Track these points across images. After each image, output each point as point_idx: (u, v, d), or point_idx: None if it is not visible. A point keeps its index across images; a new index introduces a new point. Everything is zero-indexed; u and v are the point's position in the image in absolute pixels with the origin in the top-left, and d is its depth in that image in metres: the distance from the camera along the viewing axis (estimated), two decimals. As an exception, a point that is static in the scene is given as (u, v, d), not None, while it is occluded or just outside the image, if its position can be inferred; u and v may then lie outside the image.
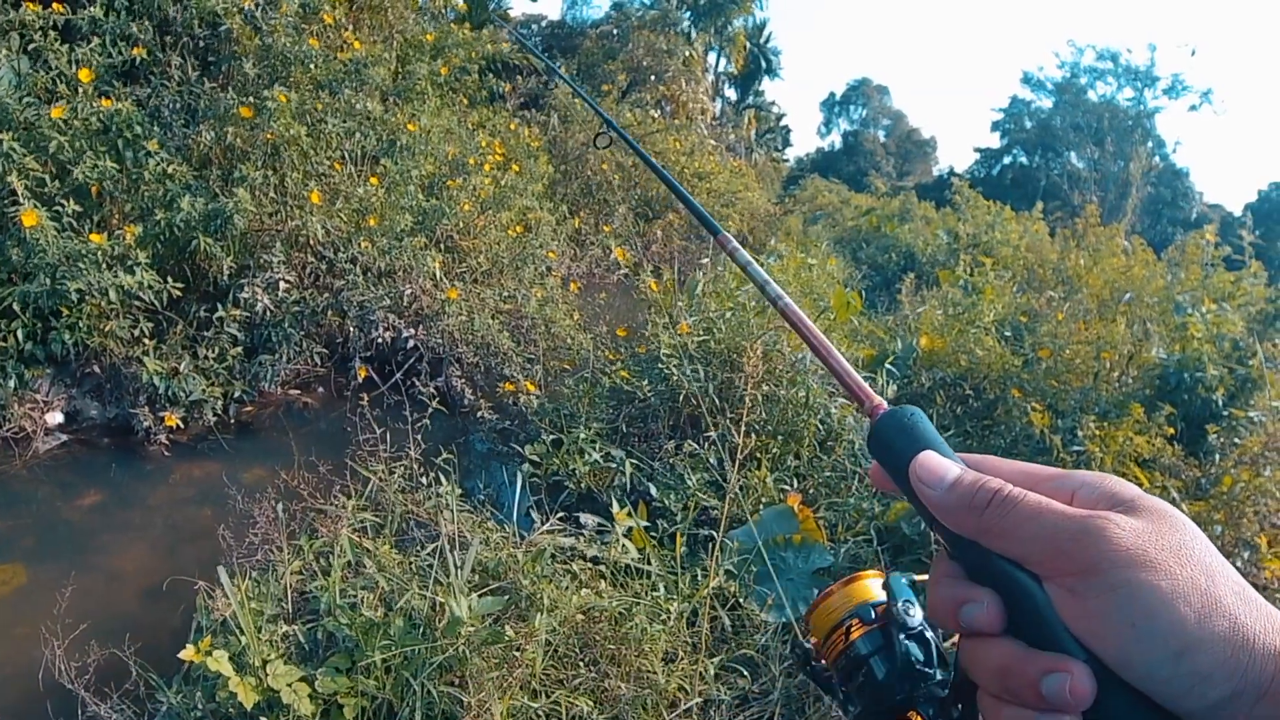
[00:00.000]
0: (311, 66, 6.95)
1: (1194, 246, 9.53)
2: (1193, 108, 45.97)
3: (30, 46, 5.87)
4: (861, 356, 6.17)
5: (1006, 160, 48.34)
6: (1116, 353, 6.28)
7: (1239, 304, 7.13)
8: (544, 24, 24.44)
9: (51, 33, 5.86)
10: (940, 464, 0.56)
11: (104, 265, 5.40)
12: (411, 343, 6.41)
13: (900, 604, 0.66)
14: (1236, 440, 4.93)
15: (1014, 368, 6.11)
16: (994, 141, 50.28)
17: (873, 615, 0.67)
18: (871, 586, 0.70)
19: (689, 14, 25.83)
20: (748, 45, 31.22)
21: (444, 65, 9.34)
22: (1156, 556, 0.46)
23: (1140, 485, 3.91)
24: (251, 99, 6.52)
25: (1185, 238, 11.68)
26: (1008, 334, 7.29)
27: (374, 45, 8.35)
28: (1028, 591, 0.50)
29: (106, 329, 5.54)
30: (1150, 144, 43.84)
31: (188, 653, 2.77)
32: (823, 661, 0.70)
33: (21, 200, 5.19)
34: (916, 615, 0.65)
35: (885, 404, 0.62)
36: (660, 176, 1.15)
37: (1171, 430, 4.72)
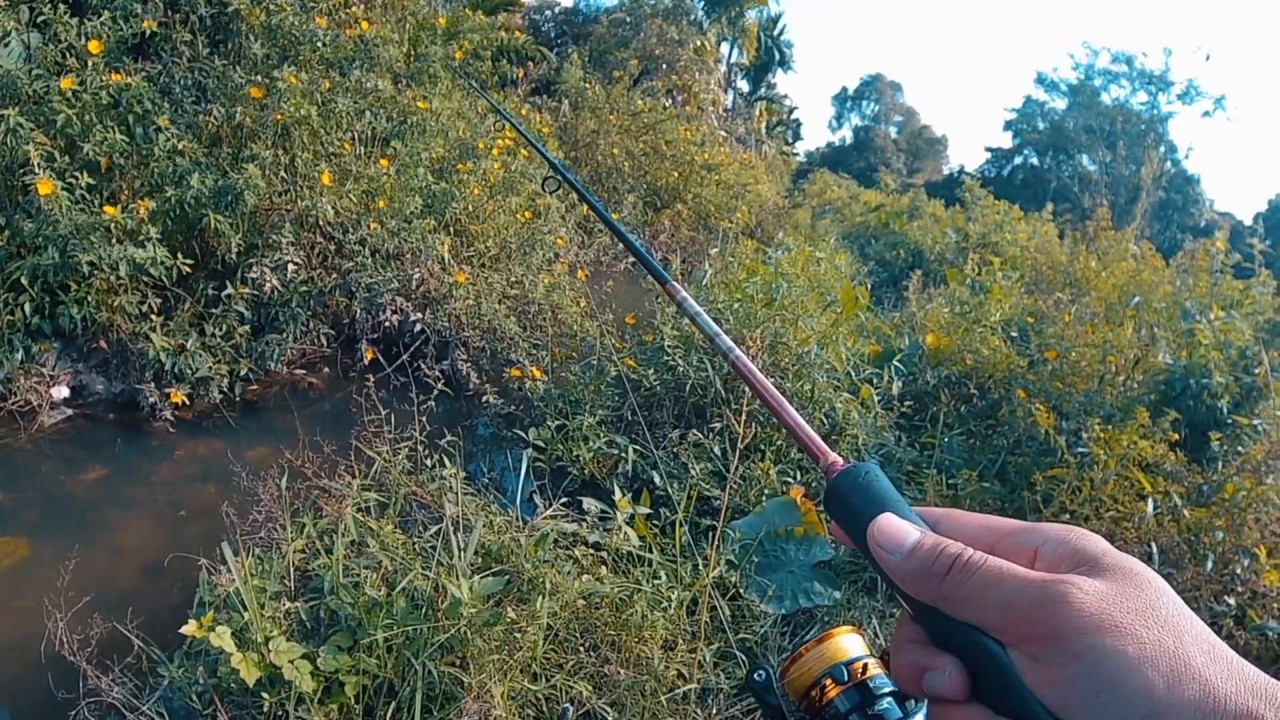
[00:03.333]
0: (320, 45, 6.92)
1: (1203, 253, 9.52)
2: (1206, 114, 45.78)
3: (40, 19, 5.86)
4: (867, 352, 6.17)
5: (1018, 160, 48.24)
6: (1123, 357, 6.27)
7: (1247, 312, 7.12)
8: (557, 10, 24.35)
9: (61, 6, 5.84)
10: (899, 528, 0.55)
11: (116, 239, 5.41)
12: (419, 326, 6.41)
13: (862, 663, 0.66)
14: (1240, 448, 4.93)
15: (1019, 368, 6.10)
16: (1005, 141, 50.20)
17: (845, 675, 0.66)
18: (845, 644, 0.68)
19: (702, 3, 25.74)
20: (760, 37, 31.11)
21: (459, 50, 9.33)
22: (1121, 620, 0.45)
23: (1143, 490, 3.94)
24: (260, 78, 6.51)
25: (1195, 244, 11.65)
26: (1014, 334, 7.28)
27: (385, 26, 8.33)
28: (993, 658, 0.49)
29: (115, 304, 5.54)
30: (1162, 149, 43.68)
31: (190, 628, 2.78)
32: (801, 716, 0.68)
33: (37, 169, 5.19)
34: (880, 675, 0.65)
35: (841, 461, 0.61)
36: (609, 224, 1.09)
37: (1175, 436, 4.71)
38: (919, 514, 0.57)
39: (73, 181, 5.34)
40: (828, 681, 0.66)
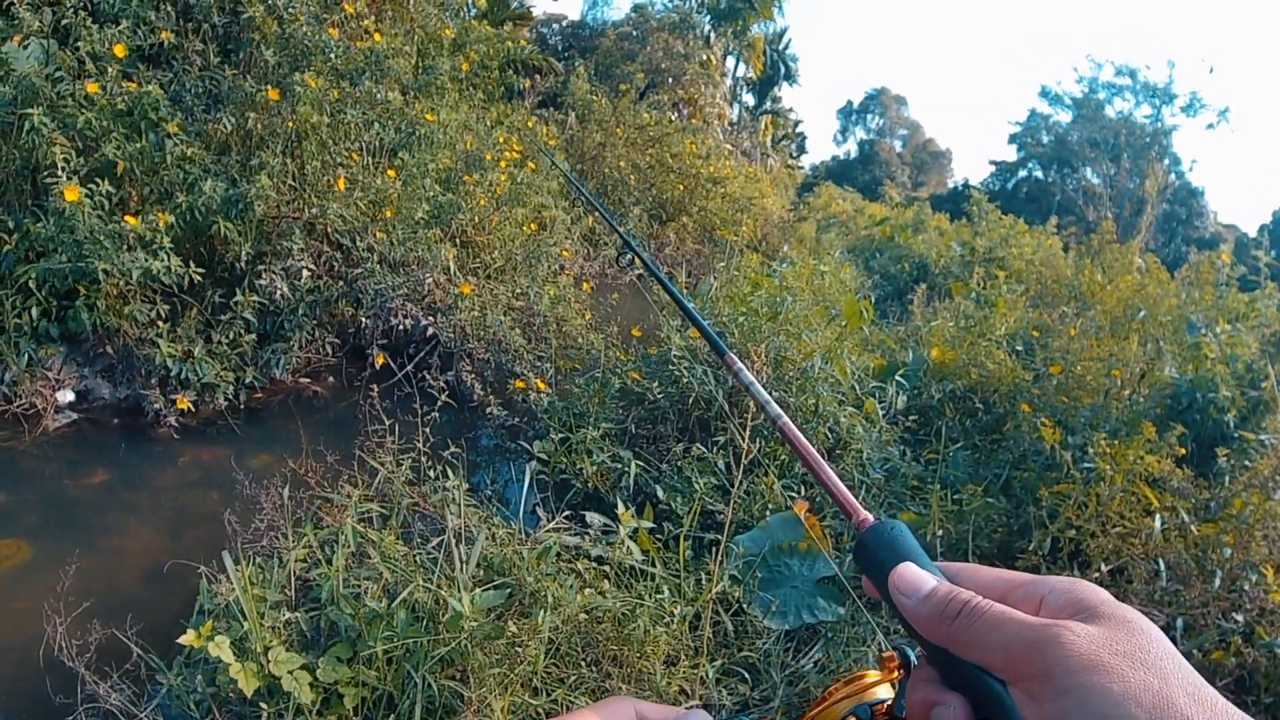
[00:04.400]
0: (331, 55, 6.94)
1: (1208, 266, 9.52)
2: (1210, 126, 45.81)
3: (63, 22, 5.88)
4: (872, 366, 6.15)
5: (1022, 174, 48.25)
6: (1128, 371, 6.26)
7: (1253, 325, 7.11)
8: (564, 24, 24.43)
9: (82, 12, 5.87)
10: (917, 575, 0.60)
11: (130, 247, 5.43)
12: (430, 330, 6.41)
13: (885, 705, 0.68)
14: (1247, 463, 4.89)
15: (1024, 382, 6.09)
16: (1010, 154, 50.19)
17: (870, 713, 0.68)
18: (871, 685, 0.70)
19: (708, 17, 25.79)
20: (766, 51, 31.15)
21: (465, 61, 9.35)
22: (1109, 660, 0.49)
23: (1150, 505, 3.92)
24: (275, 84, 6.54)
25: (1200, 257, 11.65)
26: (1019, 348, 7.27)
27: (395, 38, 8.35)
28: (995, 696, 0.53)
29: (125, 310, 5.55)
30: (1166, 161, 43.64)
31: (188, 638, 2.77)
32: None
33: (61, 175, 5.22)
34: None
35: (871, 518, 0.66)
36: (678, 302, 1.19)
37: (1182, 450, 4.69)
38: (940, 567, 0.62)
39: (92, 188, 5.36)
40: (852, 718, 0.68)
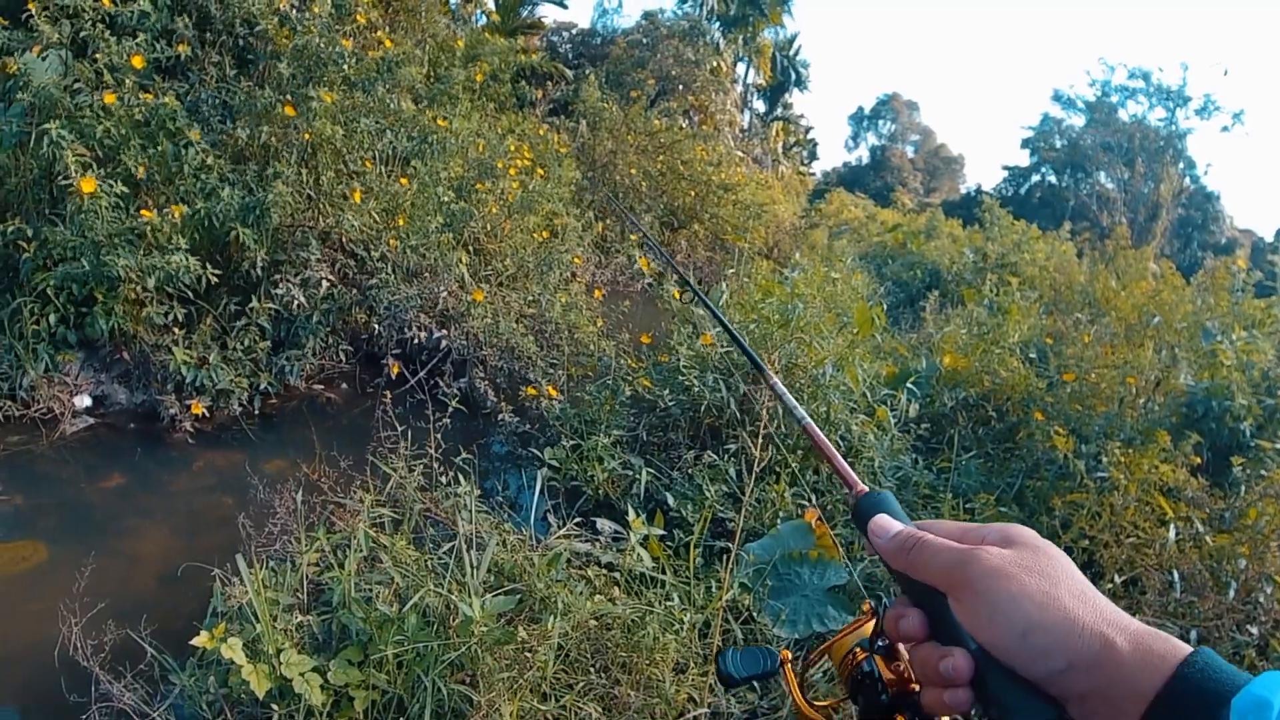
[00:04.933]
0: (345, 66, 6.98)
1: (1224, 271, 9.47)
2: (1224, 129, 45.43)
3: (81, 35, 5.94)
4: (883, 373, 6.15)
5: (1035, 179, 47.99)
6: (1143, 378, 6.23)
7: (1269, 332, 7.06)
8: (574, 32, 24.48)
9: (100, 25, 5.93)
10: (887, 522, 0.81)
11: (145, 250, 5.48)
12: (444, 343, 6.43)
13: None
14: (1263, 472, 4.84)
15: (1038, 390, 6.06)
16: (1023, 160, 49.96)
17: (870, 644, 0.91)
18: (870, 627, 0.93)
19: (718, 24, 25.81)
20: (776, 57, 31.15)
21: (478, 72, 9.39)
22: (1012, 571, 0.67)
23: (1164, 515, 3.89)
24: (289, 96, 6.58)
25: (1215, 262, 11.59)
26: (1032, 355, 7.24)
27: (407, 46, 8.40)
28: (937, 604, 0.72)
29: (141, 315, 5.60)
30: (1181, 165, 43.34)
31: (201, 639, 2.80)
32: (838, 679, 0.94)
33: (75, 172, 5.28)
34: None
35: (865, 488, 0.89)
36: (731, 337, 1.36)
37: (1197, 460, 4.66)
38: (915, 524, 0.80)
39: (108, 186, 5.42)
40: (857, 650, 0.92)
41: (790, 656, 1.05)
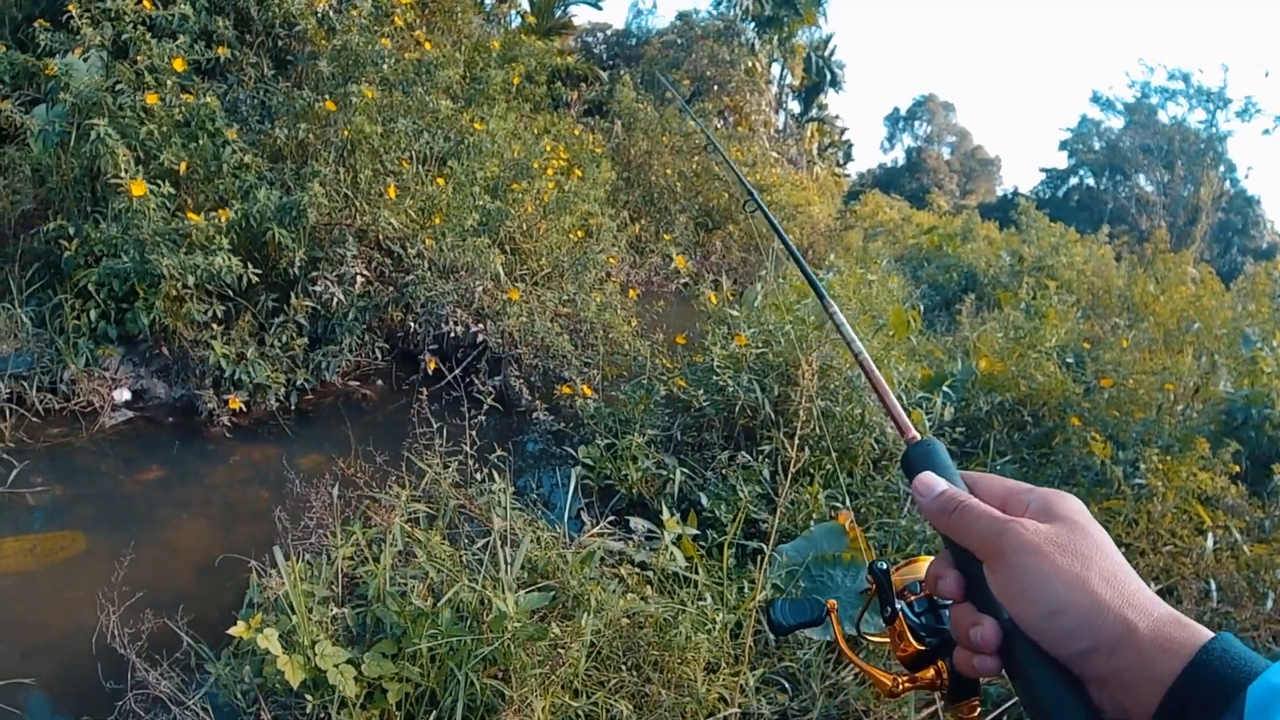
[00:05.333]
0: (384, 66, 7.04)
1: (1264, 277, 9.35)
2: (1265, 131, 44.58)
3: (122, 37, 6.03)
4: (919, 376, 6.11)
5: (1073, 181, 47.36)
6: (1181, 385, 6.16)
7: (1311, 338, 6.95)
8: (609, 32, 24.44)
9: (140, 27, 6.01)
10: (932, 480, 0.79)
11: (190, 248, 5.56)
12: (481, 338, 6.45)
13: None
14: (1303, 481, 4.79)
15: (1074, 395, 6.00)
16: (1060, 162, 49.30)
17: (920, 588, 0.90)
18: (923, 567, 0.91)
19: (753, 25, 25.69)
20: (811, 58, 30.98)
21: (515, 75, 9.43)
22: (1045, 548, 0.67)
23: (1202, 524, 3.85)
24: (329, 94, 6.64)
25: (1256, 268, 11.44)
26: (1069, 361, 7.16)
27: (444, 47, 8.45)
28: (975, 570, 0.73)
29: (182, 312, 5.67)
30: (1221, 168, 42.59)
31: (238, 629, 2.84)
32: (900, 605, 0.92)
33: (125, 172, 5.36)
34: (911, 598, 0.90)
35: (918, 436, 0.88)
36: (798, 264, 1.40)
37: (1236, 468, 4.60)
38: (962, 475, 0.81)
39: (156, 186, 5.51)
40: (906, 592, 0.91)
41: (835, 606, 1.08)
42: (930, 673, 0.87)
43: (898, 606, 0.88)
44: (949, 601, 0.81)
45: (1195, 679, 0.59)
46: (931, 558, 0.85)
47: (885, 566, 0.93)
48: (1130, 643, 0.62)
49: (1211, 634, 0.61)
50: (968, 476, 0.80)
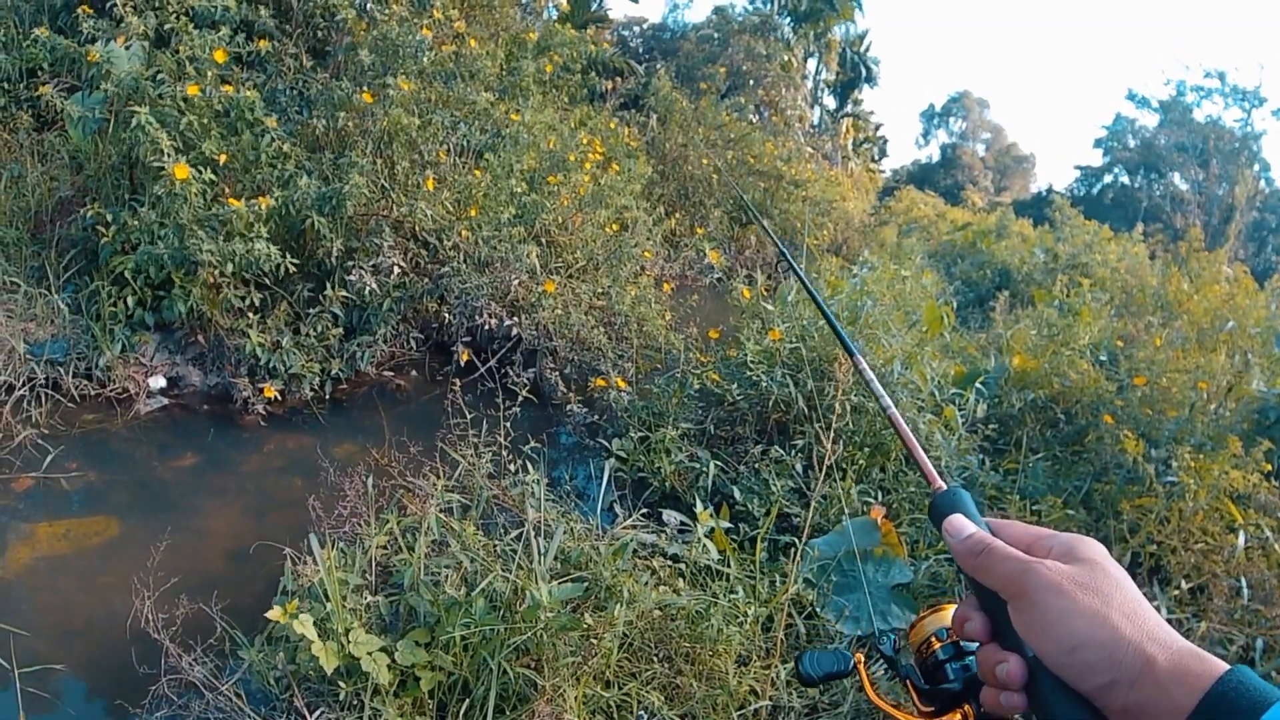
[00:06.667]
0: (423, 59, 7.06)
1: (1299, 276, 9.23)
2: (1301, 130, 43.87)
3: (165, 27, 6.08)
4: (952, 373, 6.07)
5: (1108, 179, 46.80)
6: (1215, 383, 6.09)
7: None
8: (645, 26, 24.38)
9: (184, 17, 6.06)
10: (961, 523, 0.84)
11: (230, 235, 5.61)
12: (515, 331, 6.47)
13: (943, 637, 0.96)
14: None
15: (1108, 393, 5.94)
16: (1095, 159, 48.81)
17: (946, 634, 0.95)
18: (948, 615, 0.95)
19: (789, 19, 25.58)
20: (847, 53, 30.80)
21: (548, 64, 9.43)
22: (1067, 587, 0.70)
23: (1234, 522, 3.82)
24: (367, 86, 6.68)
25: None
26: (1102, 358, 7.10)
27: (484, 41, 8.47)
28: (1000, 610, 0.76)
29: (218, 299, 5.73)
30: (1256, 167, 42.00)
31: (274, 613, 2.86)
32: (910, 663, 1.00)
33: (168, 156, 5.39)
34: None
35: (944, 485, 0.91)
36: (827, 319, 1.37)
37: (1268, 466, 4.55)
38: (987, 521, 0.84)
39: (197, 174, 5.55)
40: (933, 639, 0.96)
41: (863, 659, 1.11)
42: (957, 716, 0.92)
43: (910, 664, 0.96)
44: (975, 644, 0.84)
45: (1212, 709, 0.61)
46: (955, 605, 0.90)
47: (896, 649, 1.04)
48: (1149, 675, 0.65)
49: (1228, 666, 0.63)
50: (993, 523, 0.84)
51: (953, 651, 0.94)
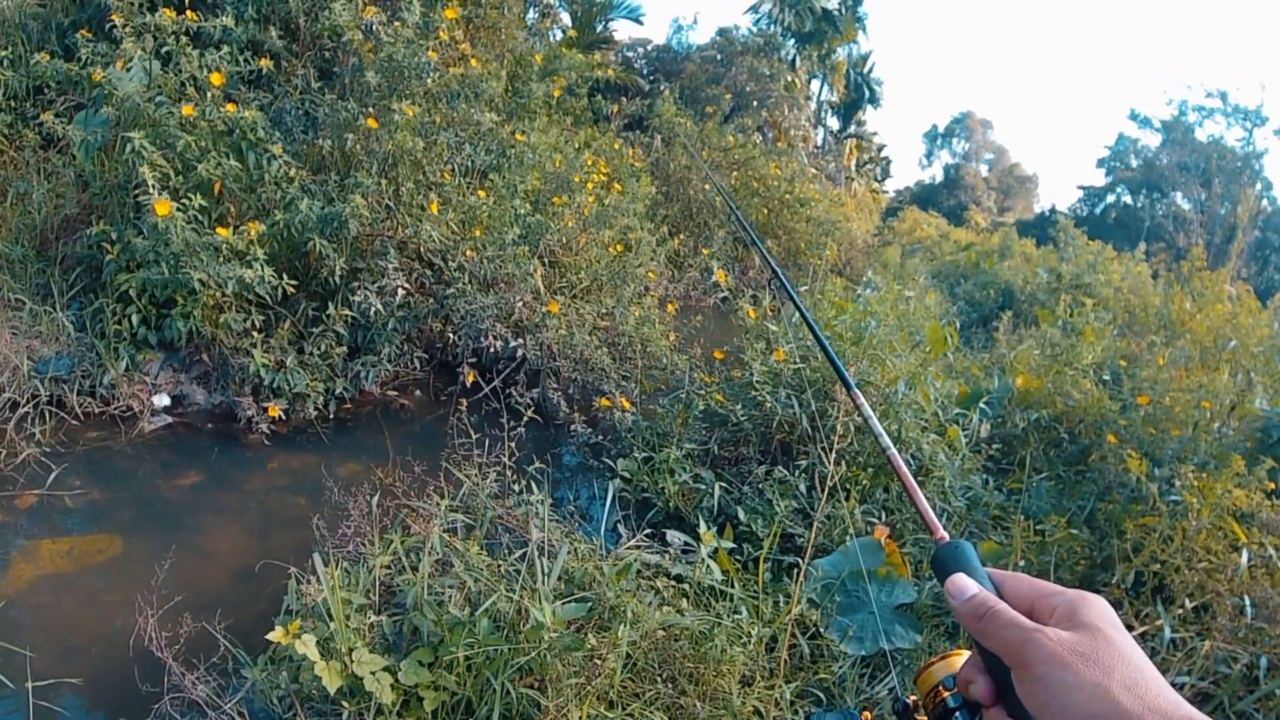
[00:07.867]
0: (428, 80, 7.10)
1: (1302, 295, 9.23)
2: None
3: (164, 49, 6.12)
4: (955, 393, 6.08)
5: (1110, 199, 46.85)
6: (1218, 402, 6.09)
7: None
8: (649, 48, 24.49)
9: (184, 38, 6.10)
10: (964, 582, 0.82)
11: (225, 258, 5.61)
12: (520, 352, 6.48)
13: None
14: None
15: (1111, 413, 5.94)
16: (1098, 179, 48.76)
17: (954, 683, 0.90)
18: (958, 662, 0.91)
19: (793, 40, 25.68)
20: (850, 74, 30.92)
21: (556, 88, 9.48)
22: (1068, 659, 0.69)
23: (1238, 540, 3.81)
24: (372, 109, 6.71)
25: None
26: (1106, 378, 7.11)
27: (489, 62, 8.52)
28: (1005, 674, 0.75)
29: (220, 320, 5.75)
30: (1258, 186, 42.01)
31: (276, 634, 2.86)
32: (919, 716, 0.96)
33: (152, 191, 5.39)
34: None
35: (947, 536, 0.90)
36: (824, 350, 1.37)
37: (1272, 485, 4.54)
38: (990, 573, 0.84)
39: (186, 202, 5.56)
40: (941, 687, 0.91)
41: (870, 717, 1.10)
42: None
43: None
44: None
45: None
46: (964, 653, 0.90)
47: (907, 703, 1.01)
48: None
49: None
50: (996, 575, 0.84)
51: (961, 700, 0.91)
